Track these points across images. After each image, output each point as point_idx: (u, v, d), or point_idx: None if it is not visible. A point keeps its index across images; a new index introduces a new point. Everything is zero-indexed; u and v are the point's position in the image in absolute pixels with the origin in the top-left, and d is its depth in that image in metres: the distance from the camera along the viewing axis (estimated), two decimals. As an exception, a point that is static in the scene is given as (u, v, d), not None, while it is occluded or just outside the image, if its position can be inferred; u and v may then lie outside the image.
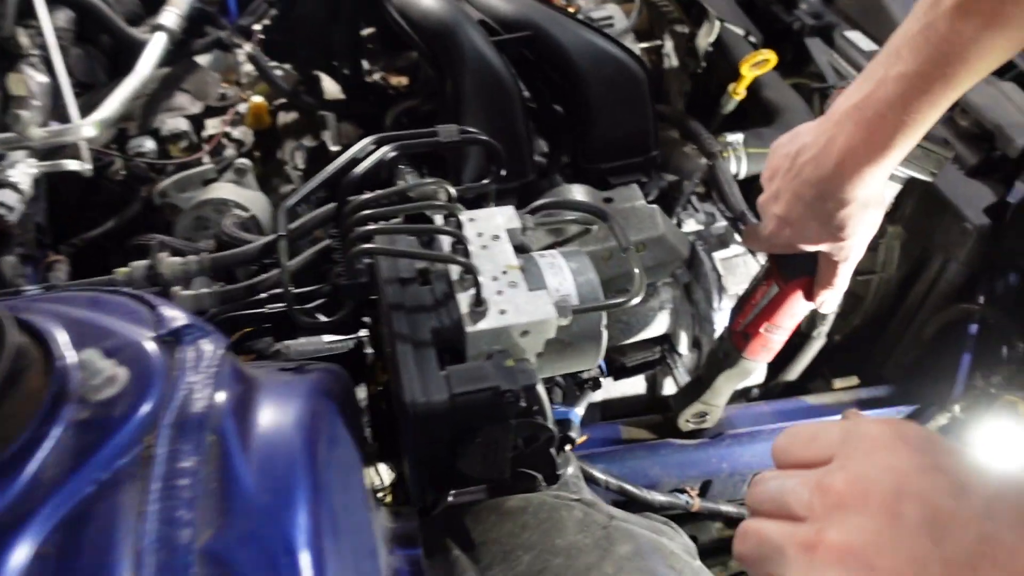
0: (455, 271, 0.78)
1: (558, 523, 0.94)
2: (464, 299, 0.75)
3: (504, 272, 0.79)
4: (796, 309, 1.09)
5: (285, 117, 1.73)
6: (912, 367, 1.54)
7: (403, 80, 1.70)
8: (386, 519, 0.87)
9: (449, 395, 0.70)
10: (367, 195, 0.76)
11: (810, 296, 1.06)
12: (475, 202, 0.92)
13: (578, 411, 1.01)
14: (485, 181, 0.91)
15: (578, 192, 1.24)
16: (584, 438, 1.25)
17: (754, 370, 1.22)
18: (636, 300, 0.80)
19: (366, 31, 1.64)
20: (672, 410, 1.35)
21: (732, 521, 1.51)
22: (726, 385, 1.25)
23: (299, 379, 0.67)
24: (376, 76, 1.71)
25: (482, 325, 0.74)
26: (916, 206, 1.44)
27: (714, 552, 1.64)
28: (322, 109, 1.61)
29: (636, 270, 0.83)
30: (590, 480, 1.22)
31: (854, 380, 1.53)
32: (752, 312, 1.13)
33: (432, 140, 0.87)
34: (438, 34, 1.25)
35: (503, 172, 0.90)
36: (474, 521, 0.93)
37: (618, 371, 1.43)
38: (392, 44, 1.67)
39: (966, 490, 0.45)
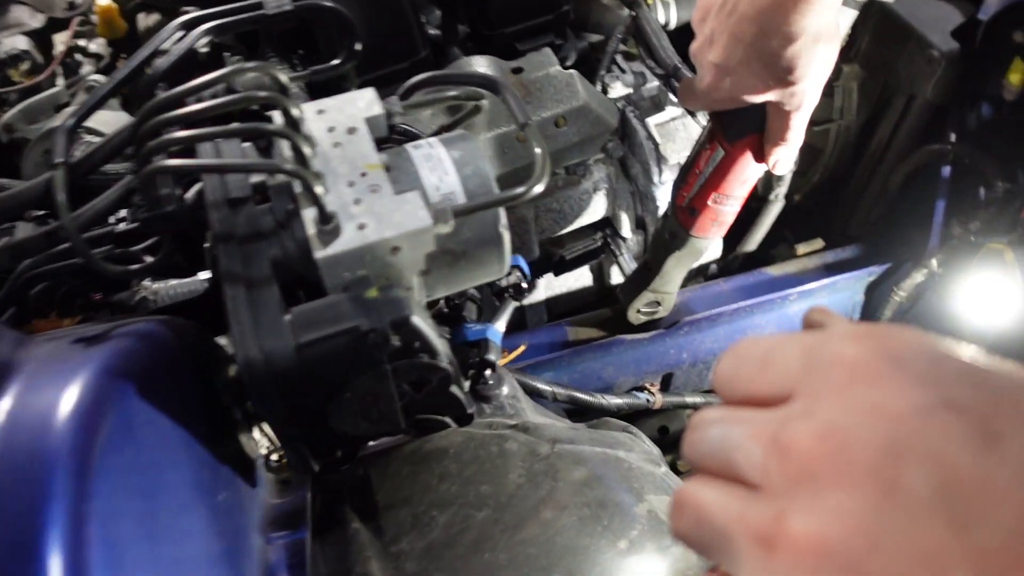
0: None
1: (486, 463, 0.79)
2: (310, 216, 0.57)
3: (363, 174, 0.61)
4: (747, 173, 0.93)
5: (146, 20, 1.49)
6: (881, 222, 1.40)
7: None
8: (270, 494, 0.72)
9: (295, 345, 0.53)
10: (161, 95, 0.57)
11: (761, 156, 0.90)
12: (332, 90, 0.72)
13: (498, 327, 0.85)
14: (335, 62, 0.71)
15: (480, 64, 1.05)
16: (521, 349, 1.10)
17: (706, 248, 1.06)
18: (539, 187, 0.62)
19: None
20: (620, 302, 1.20)
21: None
22: (676, 268, 1.10)
23: (84, 354, 0.50)
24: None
25: (335, 248, 0.56)
26: (873, 37, 1.26)
27: (688, 440, 1.53)
28: (184, 4, 1.37)
29: (537, 149, 0.65)
30: (535, 394, 1.07)
31: (819, 243, 1.38)
32: (697, 183, 0.96)
33: (256, 14, 0.67)
34: None
35: (358, 46, 0.70)
36: (382, 477, 0.78)
37: (558, 265, 1.27)
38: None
39: (1000, 439, 0.28)
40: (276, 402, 0.55)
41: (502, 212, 0.65)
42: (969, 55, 1.16)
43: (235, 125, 0.56)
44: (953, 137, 1.24)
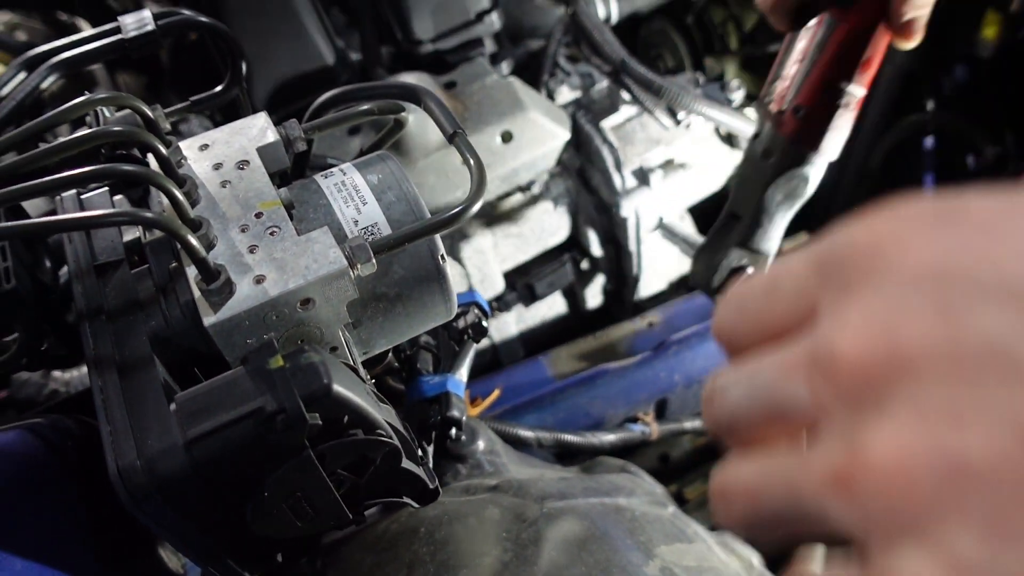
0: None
1: (464, 542, 0.67)
2: (192, 275, 0.45)
3: (258, 215, 0.49)
4: (870, 48, 0.69)
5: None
6: (868, 205, 1.30)
7: None
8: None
9: (184, 443, 0.41)
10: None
11: (887, 15, 0.67)
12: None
13: (459, 376, 0.72)
14: (217, 89, 0.59)
15: (410, 79, 0.94)
16: (495, 395, 0.98)
17: (817, 175, 0.76)
18: (476, 207, 0.50)
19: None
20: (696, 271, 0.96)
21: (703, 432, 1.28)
22: (780, 208, 0.79)
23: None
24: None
25: (227, 311, 0.44)
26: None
27: (693, 465, 1.41)
28: (89, 65, 1.26)
29: (471, 161, 0.53)
30: (517, 442, 0.95)
31: (803, 238, 1.27)
32: (800, 74, 0.71)
33: (113, 40, 0.55)
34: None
35: (244, 65, 0.59)
36: (343, 571, 0.65)
37: (527, 295, 1.16)
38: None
39: None
40: (167, 517, 0.42)
41: (439, 241, 0.53)
42: (937, 13, 1.06)
43: (84, 170, 0.43)
44: (931, 105, 1.14)
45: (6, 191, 0.40)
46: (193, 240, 0.43)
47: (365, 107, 0.59)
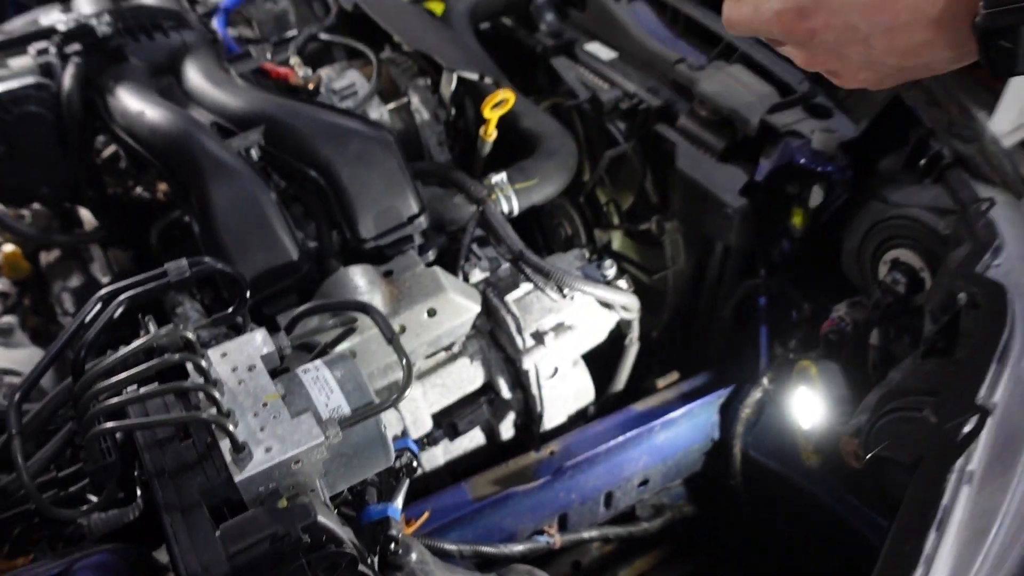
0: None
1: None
2: (226, 447, 0.72)
3: (264, 404, 0.76)
4: None
5: (47, 257, 1.63)
6: (724, 349, 1.61)
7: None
8: None
9: (227, 555, 0.66)
10: (94, 367, 0.72)
11: None
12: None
13: (397, 504, 0.98)
14: (230, 310, 0.87)
15: (356, 273, 1.22)
16: (424, 517, 1.23)
17: None
18: (406, 394, 0.78)
19: (107, 152, 1.56)
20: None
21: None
22: None
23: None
24: (139, 190, 1.63)
25: (248, 471, 0.71)
26: (682, 199, 1.50)
27: (600, 570, 1.66)
28: (80, 243, 1.52)
29: (403, 360, 0.81)
30: (443, 555, 1.20)
31: (675, 376, 1.58)
32: None
33: (162, 283, 0.83)
34: (170, 148, 1.21)
35: (248, 295, 0.87)
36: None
37: (452, 432, 1.42)
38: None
39: None
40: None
41: (382, 417, 0.81)
42: (758, 206, 1.40)
43: (158, 387, 0.71)
44: (763, 272, 1.47)
45: (120, 400, 0.67)
46: (231, 427, 0.69)
47: (331, 322, 0.88)
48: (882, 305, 1.16)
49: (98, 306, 0.81)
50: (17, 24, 1.80)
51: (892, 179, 1.25)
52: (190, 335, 0.77)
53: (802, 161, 1.28)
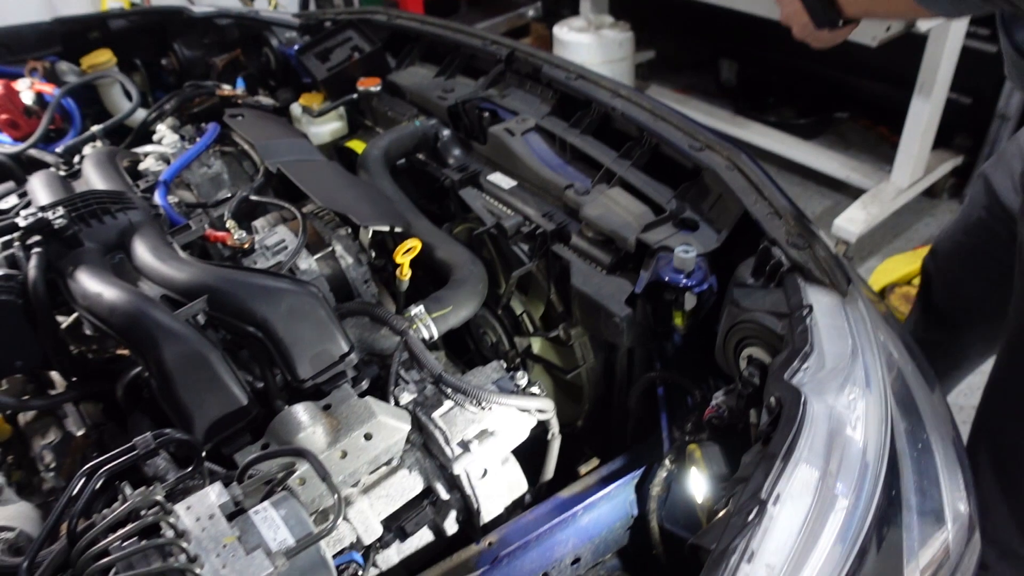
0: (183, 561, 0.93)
1: None
2: (195, 584, 0.90)
3: (224, 546, 0.95)
4: None
5: (25, 417, 1.80)
6: (637, 434, 1.82)
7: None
8: None
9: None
10: (88, 534, 0.90)
11: None
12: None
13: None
14: (188, 470, 1.06)
15: (299, 411, 1.41)
16: (378, 618, 1.40)
17: None
18: (339, 520, 0.97)
19: (69, 320, 1.75)
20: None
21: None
22: None
23: None
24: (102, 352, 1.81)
25: (216, 603, 0.89)
26: (580, 309, 1.73)
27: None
28: (54, 406, 1.69)
29: (334, 495, 1.01)
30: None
31: (595, 462, 1.78)
32: None
33: (133, 455, 1.02)
34: (126, 324, 1.40)
35: (204, 466, 1.06)
36: None
37: (401, 534, 1.60)
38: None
39: None
40: None
41: (322, 543, 1.00)
42: (644, 312, 1.63)
43: (139, 543, 0.89)
44: (659, 366, 1.69)
45: (106, 562, 0.86)
46: (198, 571, 0.88)
47: (278, 466, 1.07)
48: (744, 395, 1.38)
49: (82, 480, 1.00)
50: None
51: (744, 284, 1.49)
52: (159, 496, 0.96)
53: (667, 279, 1.51)
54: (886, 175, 4.27)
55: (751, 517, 0.97)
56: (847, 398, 1.13)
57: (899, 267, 3.75)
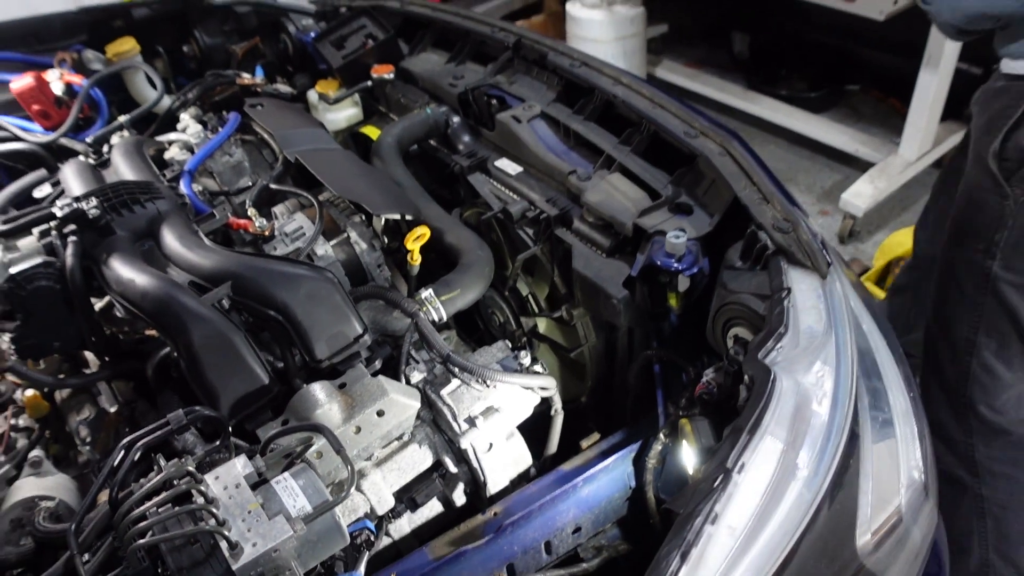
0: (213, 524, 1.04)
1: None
2: (225, 547, 1.02)
3: (249, 511, 1.06)
4: None
5: (61, 394, 1.92)
6: (636, 410, 1.92)
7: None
8: None
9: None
10: (128, 501, 1.02)
11: None
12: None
13: (360, 571, 1.28)
14: (216, 444, 1.18)
15: (316, 389, 1.52)
16: (390, 579, 1.52)
17: None
18: (351, 490, 1.08)
19: (103, 303, 1.87)
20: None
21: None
22: None
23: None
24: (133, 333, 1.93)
25: (242, 561, 1.00)
26: (581, 291, 1.82)
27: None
28: (89, 385, 1.82)
29: (348, 467, 1.12)
30: (408, 607, 1.48)
31: (596, 436, 1.88)
32: None
33: (167, 430, 1.13)
34: (157, 308, 1.51)
35: (230, 431, 1.17)
36: None
37: (413, 505, 1.71)
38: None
39: None
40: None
41: (337, 510, 1.11)
42: (640, 294, 1.72)
43: (173, 509, 1.01)
44: (655, 344, 1.79)
45: (151, 521, 0.97)
46: (226, 532, 0.99)
47: (297, 439, 1.18)
48: (731, 372, 1.48)
49: (122, 453, 1.11)
50: (12, 190, 2.13)
51: (733, 267, 1.58)
52: (191, 467, 1.07)
53: (659, 263, 1.60)
54: (895, 148, 4.31)
55: (716, 484, 1.07)
56: (816, 375, 1.22)
57: (906, 240, 3.79)
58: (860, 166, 4.51)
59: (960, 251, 2.07)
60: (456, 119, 2.29)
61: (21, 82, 2.35)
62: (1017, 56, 1.86)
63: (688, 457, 1.59)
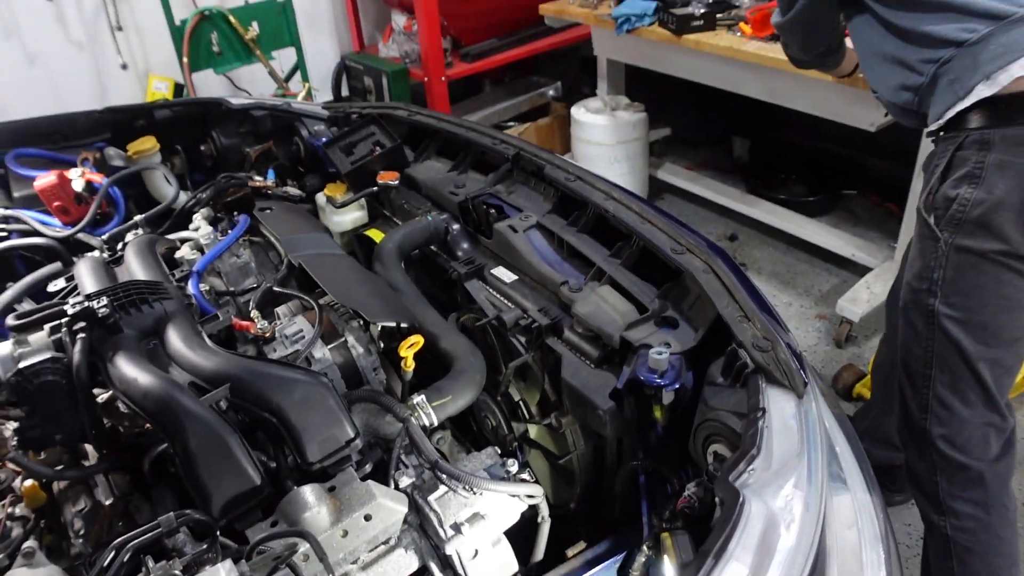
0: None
1: None
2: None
3: (235, 611, 1.10)
4: None
5: (58, 485, 1.96)
6: (623, 518, 1.94)
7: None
8: None
9: None
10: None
11: None
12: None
13: None
14: (204, 547, 1.22)
15: (307, 491, 1.56)
16: None
17: None
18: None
19: (105, 396, 1.92)
20: None
21: None
22: None
23: None
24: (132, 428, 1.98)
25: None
26: (569, 400, 1.88)
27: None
28: (87, 477, 1.86)
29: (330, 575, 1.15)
30: None
31: (582, 545, 1.90)
32: None
33: (157, 532, 1.17)
34: (157, 408, 1.57)
35: (218, 543, 1.21)
36: None
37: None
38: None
39: None
40: None
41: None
42: (628, 405, 1.77)
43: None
44: (641, 455, 1.83)
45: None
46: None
47: (282, 545, 1.22)
48: (710, 488, 1.51)
49: (112, 554, 1.15)
50: (27, 282, 2.22)
51: (714, 383, 1.63)
52: (178, 572, 1.11)
53: (643, 378, 1.66)
54: (891, 252, 4.40)
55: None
56: (785, 499, 1.26)
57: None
58: (858, 270, 4.59)
59: (911, 295, 2.28)
60: (456, 226, 2.38)
61: (44, 180, 2.47)
62: (932, 118, 2.11)
63: (669, 572, 1.62)
